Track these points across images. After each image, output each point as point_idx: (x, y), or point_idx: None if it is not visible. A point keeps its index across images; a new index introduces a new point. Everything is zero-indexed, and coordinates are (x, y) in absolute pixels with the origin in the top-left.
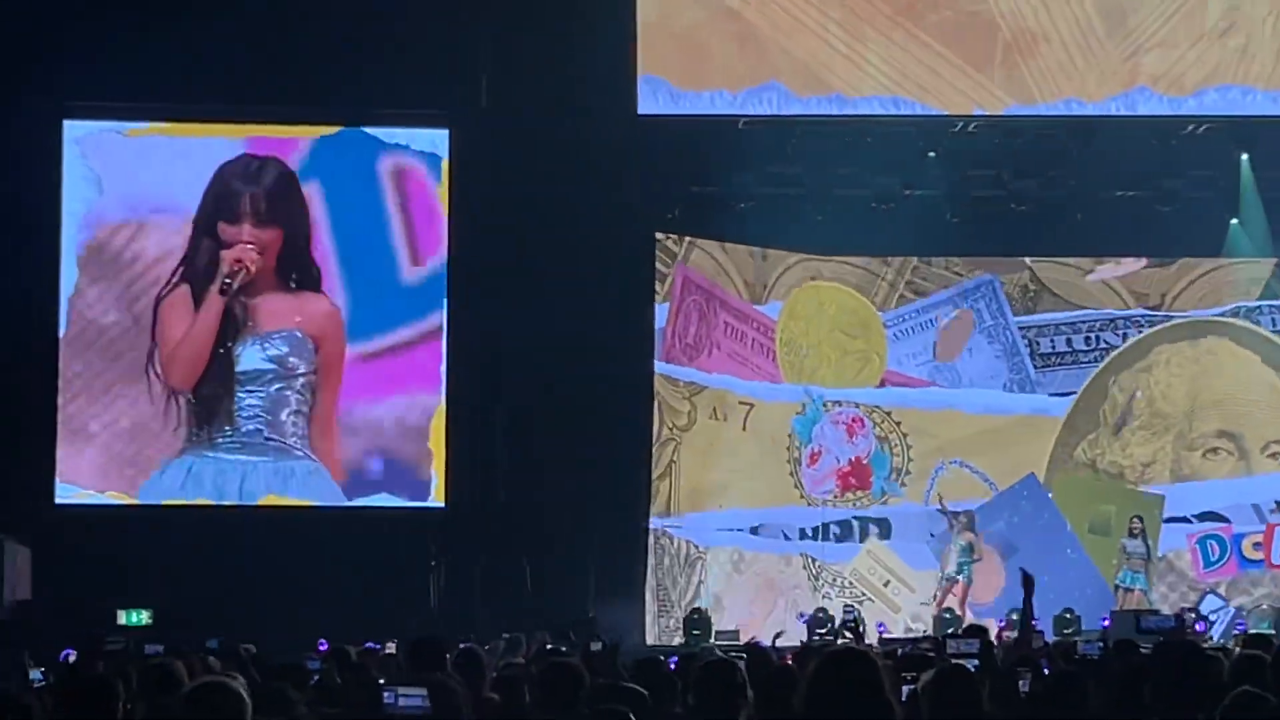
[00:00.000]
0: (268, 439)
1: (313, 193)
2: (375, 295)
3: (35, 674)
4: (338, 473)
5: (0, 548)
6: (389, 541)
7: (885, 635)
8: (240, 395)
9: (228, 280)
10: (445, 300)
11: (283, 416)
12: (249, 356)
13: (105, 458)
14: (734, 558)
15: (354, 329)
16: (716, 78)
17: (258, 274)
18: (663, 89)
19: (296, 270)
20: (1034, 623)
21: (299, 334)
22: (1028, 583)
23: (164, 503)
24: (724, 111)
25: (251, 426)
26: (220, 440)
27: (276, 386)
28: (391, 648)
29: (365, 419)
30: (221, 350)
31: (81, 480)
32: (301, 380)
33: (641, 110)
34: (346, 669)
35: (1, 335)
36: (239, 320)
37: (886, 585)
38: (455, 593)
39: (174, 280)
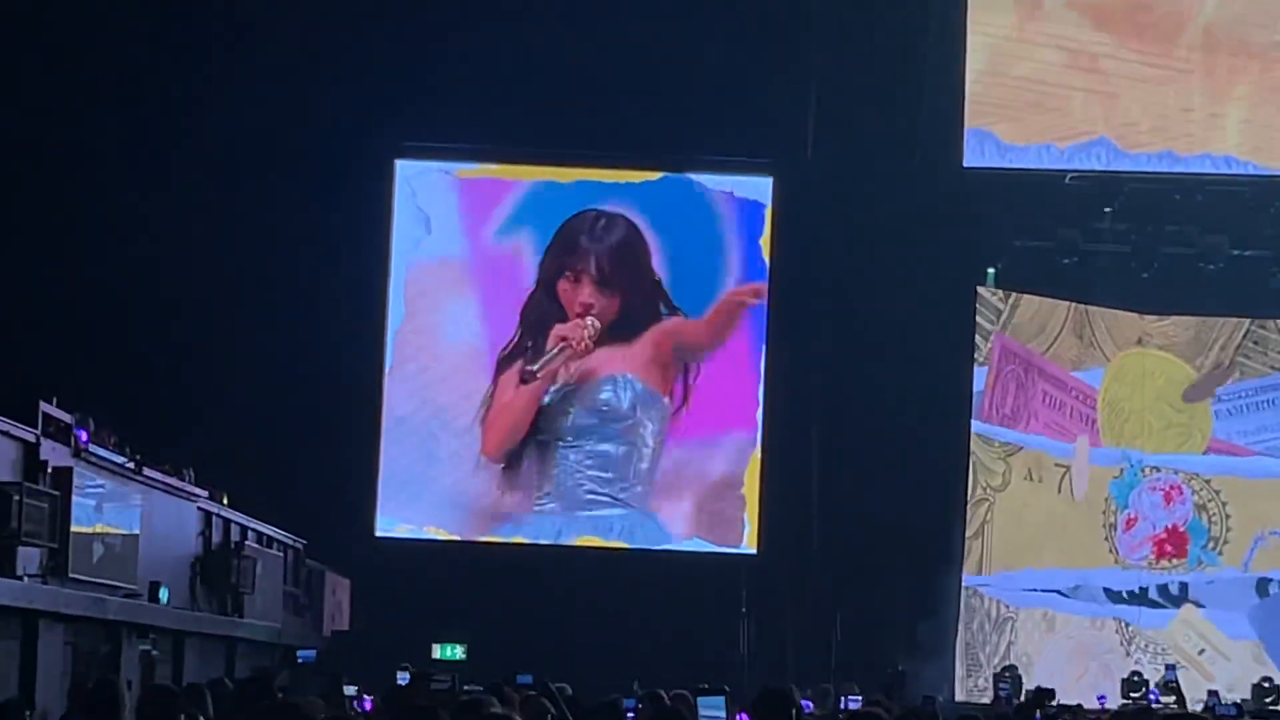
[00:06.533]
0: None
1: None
2: None
3: (349, 689)
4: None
5: (321, 578)
6: (700, 586)
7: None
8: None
9: (535, 370)
10: (764, 347)
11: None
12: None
13: (424, 493)
14: (1045, 619)
15: None
16: (1044, 131)
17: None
18: (989, 141)
19: (630, 327)
20: None
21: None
22: None
23: (479, 539)
24: (1051, 166)
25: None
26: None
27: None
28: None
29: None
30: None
31: (401, 514)
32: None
33: (967, 163)
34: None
35: (329, 368)
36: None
37: (1201, 654)
38: (765, 640)
39: (514, 338)
